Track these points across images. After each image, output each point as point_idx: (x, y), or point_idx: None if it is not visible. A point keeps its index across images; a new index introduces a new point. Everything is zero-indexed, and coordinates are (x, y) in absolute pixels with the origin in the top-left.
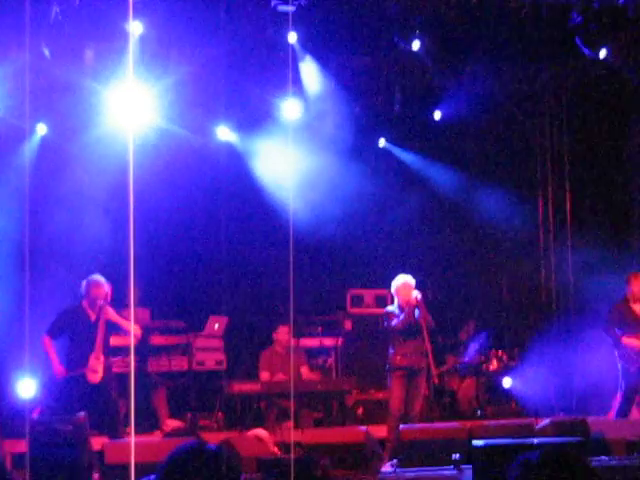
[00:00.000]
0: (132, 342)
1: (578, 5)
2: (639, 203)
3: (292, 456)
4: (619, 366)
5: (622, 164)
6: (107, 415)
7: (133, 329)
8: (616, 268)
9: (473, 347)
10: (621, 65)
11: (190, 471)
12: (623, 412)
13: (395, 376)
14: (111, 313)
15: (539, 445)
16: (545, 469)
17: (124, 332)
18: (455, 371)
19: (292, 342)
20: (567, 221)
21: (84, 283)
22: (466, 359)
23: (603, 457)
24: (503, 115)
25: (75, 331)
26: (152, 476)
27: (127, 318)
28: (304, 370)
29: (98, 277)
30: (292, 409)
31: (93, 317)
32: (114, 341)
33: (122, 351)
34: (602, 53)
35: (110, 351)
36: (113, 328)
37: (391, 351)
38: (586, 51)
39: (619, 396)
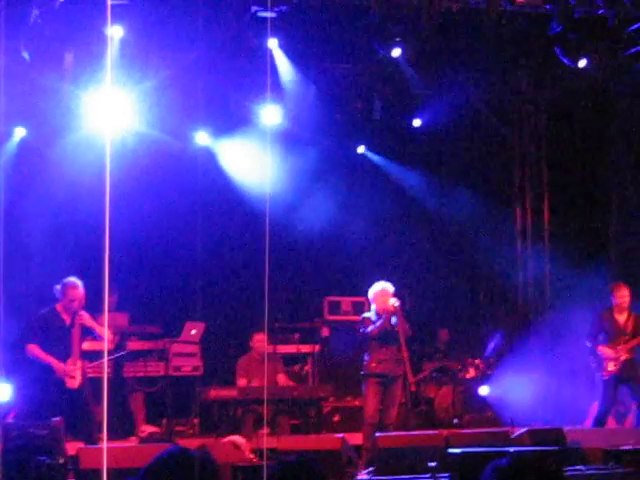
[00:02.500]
0: (106, 347)
1: (558, 14)
2: (618, 211)
3: (265, 462)
4: (596, 375)
5: (601, 173)
6: (83, 420)
7: (107, 334)
8: (594, 276)
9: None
10: (600, 74)
11: (174, 476)
12: (600, 421)
13: (370, 383)
14: (86, 317)
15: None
16: (515, 473)
17: (98, 337)
18: (432, 378)
19: (268, 349)
20: (545, 229)
21: (59, 285)
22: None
23: (579, 466)
24: (482, 123)
25: (50, 336)
26: None
27: (104, 323)
28: (281, 377)
29: (74, 279)
30: (266, 416)
31: (68, 321)
32: (90, 346)
33: (98, 356)
34: (581, 63)
35: (84, 356)
36: (86, 333)
37: (366, 357)
38: (565, 61)
39: (595, 405)
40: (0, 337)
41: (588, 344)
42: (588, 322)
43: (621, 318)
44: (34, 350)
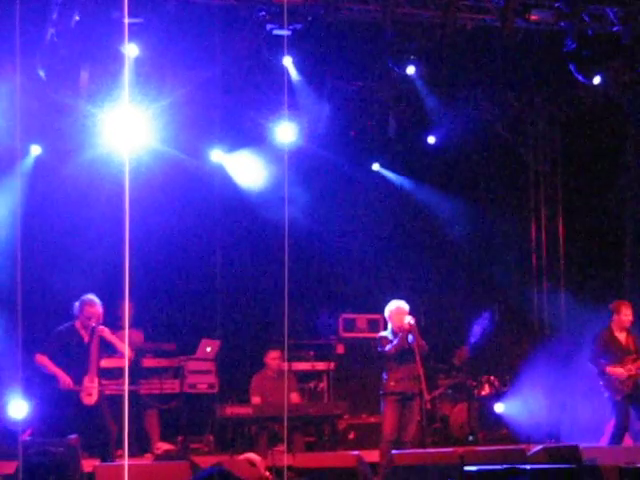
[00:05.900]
0: (126, 364)
1: (572, 32)
2: (632, 228)
3: None
4: (606, 395)
5: (616, 190)
6: (100, 437)
7: (127, 351)
8: (608, 294)
9: (477, 329)
10: (615, 92)
11: None
12: (616, 439)
13: (389, 401)
14: (107, 332)
15: (531, 471)
16: None
17: (117, 353)
18: (447, 395)
19: (285, 366)
20: (560, 247)
21: (78, 302)
22: (472, 340)
23: None
24: (497, 140)
25: (68, 352)
26: None
27: (122, 340)
28: (293, 396)
29: (92, 296)
30: (285, 433)
31: (86, 338)
32: (105, 363)
33: (114, 373)
34: (596, 80)
35: (100, 373)
36: (103, 350)
37: (385, 376)
38: (580, 78)
39: (612, 423)
40: (18, 354)
41: (594, 367)
42: (590, 345)
43: (622, 337)
44: (42, 359)
